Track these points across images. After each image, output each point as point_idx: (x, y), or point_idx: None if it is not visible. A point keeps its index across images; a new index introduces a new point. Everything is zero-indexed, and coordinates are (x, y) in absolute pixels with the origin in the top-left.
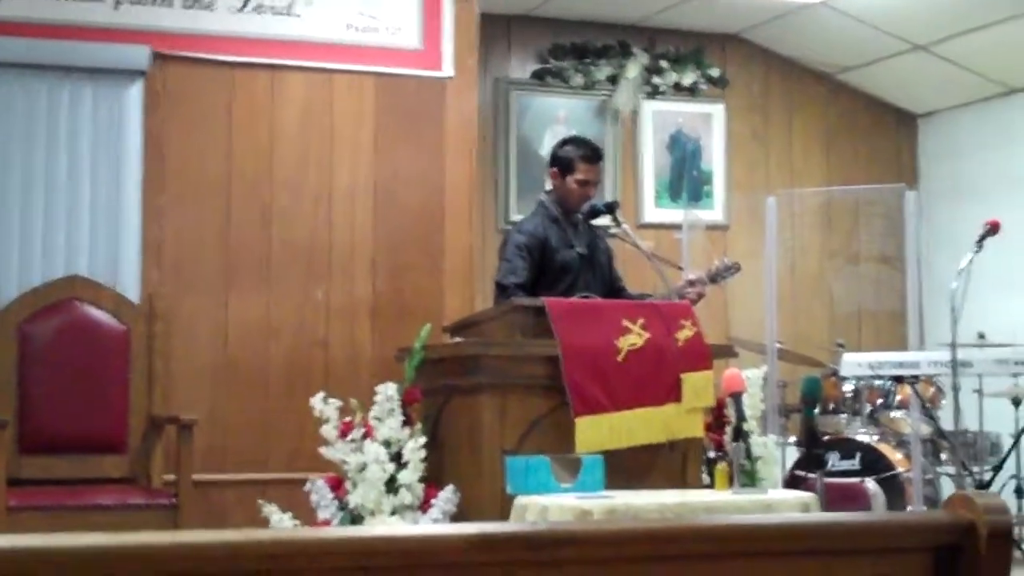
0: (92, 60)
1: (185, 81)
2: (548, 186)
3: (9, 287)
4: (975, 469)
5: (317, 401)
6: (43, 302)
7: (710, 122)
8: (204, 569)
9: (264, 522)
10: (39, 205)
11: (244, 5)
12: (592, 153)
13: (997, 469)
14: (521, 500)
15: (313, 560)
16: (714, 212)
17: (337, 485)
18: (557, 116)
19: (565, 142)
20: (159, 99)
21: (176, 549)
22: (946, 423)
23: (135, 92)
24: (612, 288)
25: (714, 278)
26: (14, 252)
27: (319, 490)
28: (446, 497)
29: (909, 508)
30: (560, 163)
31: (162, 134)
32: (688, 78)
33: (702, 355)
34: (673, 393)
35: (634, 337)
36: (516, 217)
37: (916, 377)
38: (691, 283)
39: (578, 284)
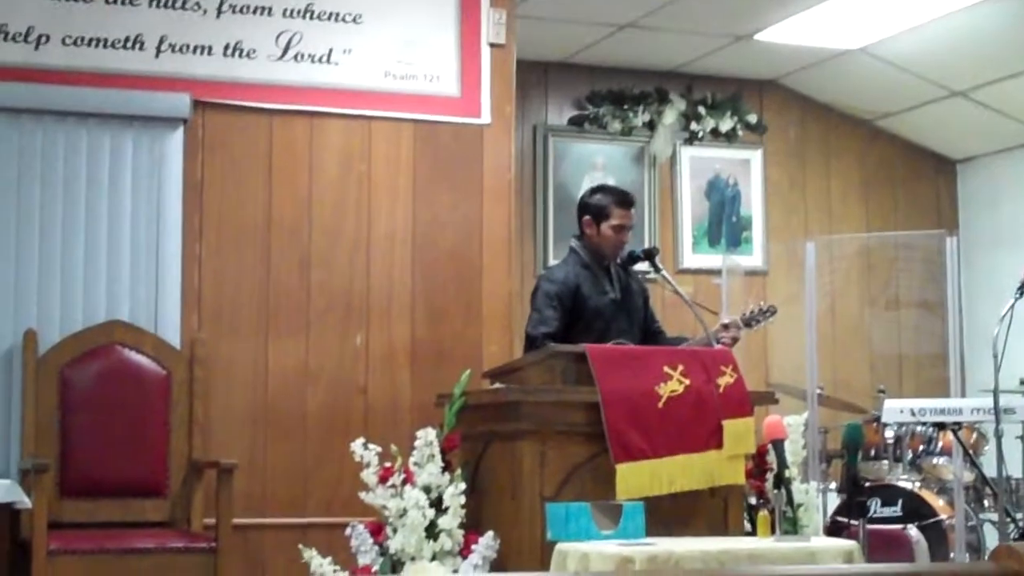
0: (133, 108)
1: (225, 129)
2: (578, 232)
3: (51, 332)
4: (1019, 516)
5: (357, 446)
6: (84, 347)
7: (748, 168)
8: None
9: (304, 567)
10: (80, 251)
11: (284, 53)
12: (624, 198)
13: None
14: (561, 547)
15: None
16: (753, 258)
17: (377, 530)
18: (595, 162)
19: (595, 190)
20: (199, 146)
21: None
22: (989, 470)
23: (176, 139)
24: (648, 331)
25: (749, 322)
26: (56, 297)
27: (360, 535)
28: (486, 543)
29: (952, 556)
30: (593, 211)
31: (202, 181)
32: (725, 124)
33: (743, 402)
34: (714, 440)
35: (674, 384)
36: (554, 262)
37: (959, 424)
38: (725, 327)
39: (611, 330)
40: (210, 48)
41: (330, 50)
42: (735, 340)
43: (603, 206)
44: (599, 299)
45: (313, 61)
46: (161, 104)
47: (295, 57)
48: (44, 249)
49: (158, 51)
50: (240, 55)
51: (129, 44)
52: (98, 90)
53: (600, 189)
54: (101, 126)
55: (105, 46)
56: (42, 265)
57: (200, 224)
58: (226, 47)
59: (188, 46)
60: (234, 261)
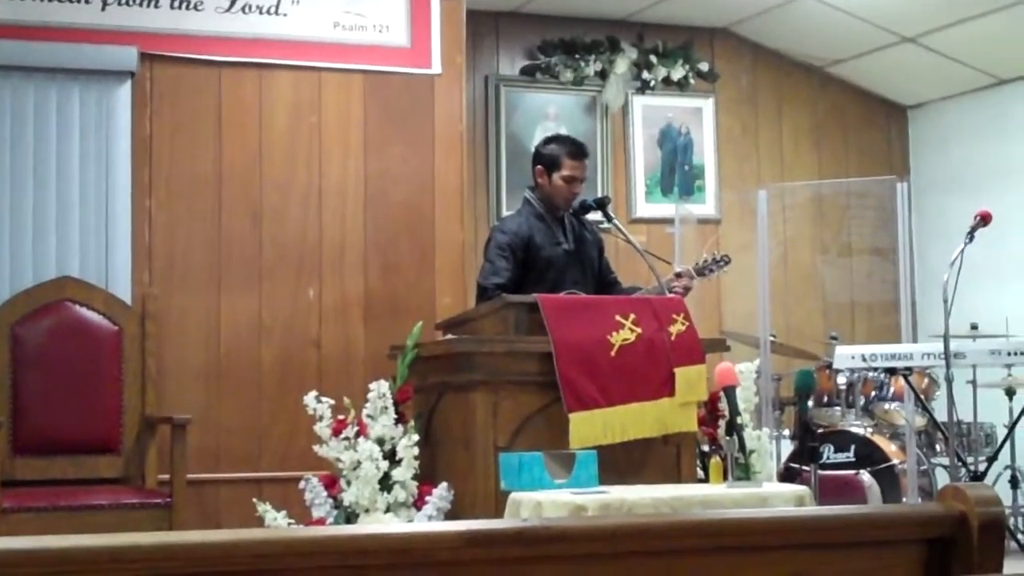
0: (79, 61)
1: (173, 81)
2: (532, 182)
3: (1, 289)
4: (969, 460)
5: (310, 399)
6: (35, 304)
7: (700, 116)
8: (198, 570)
9: (259, 521)
10: (28, 207)
11: (231, 5)
12: (577, 149)
13: (991, 460)
14: (515, 496)
15: (307, 559)
16: (705, 206)
17: (331, 483)
18: (547, 112)
19: (548, 140)
20: (147, 100)
21: (169, 550)
22: (940, 414)
23: (123, 93)
24: (603, 281)
25: (701, 271)
26: (5, 254)
27: (313, 488)
28: (440, 494)
29: (904, 500)
30: (545, 161)
31: (151, 135)
32: (677, 72)
33: (695, 349)
34: (666, 387)
35: (626, 332)
36: (507, 212)
37: (910, 369)
38: (678, 276)
39: (565, 280)
40: (157, 0)
41: (278, 1)
42: (688, 289)
43: (555, 156)
44: (552, 250)
45: (261, 12)
46: (108, 57)
47: (243, 8)
48: None
49: (104, 3)
50: (187, 7)
51: None
52: (44, 44)
53: (553, 139)
54: (47, 80)
55: None
56: None
57: (150, 178)
58: None
59: None
60: (185, 215)
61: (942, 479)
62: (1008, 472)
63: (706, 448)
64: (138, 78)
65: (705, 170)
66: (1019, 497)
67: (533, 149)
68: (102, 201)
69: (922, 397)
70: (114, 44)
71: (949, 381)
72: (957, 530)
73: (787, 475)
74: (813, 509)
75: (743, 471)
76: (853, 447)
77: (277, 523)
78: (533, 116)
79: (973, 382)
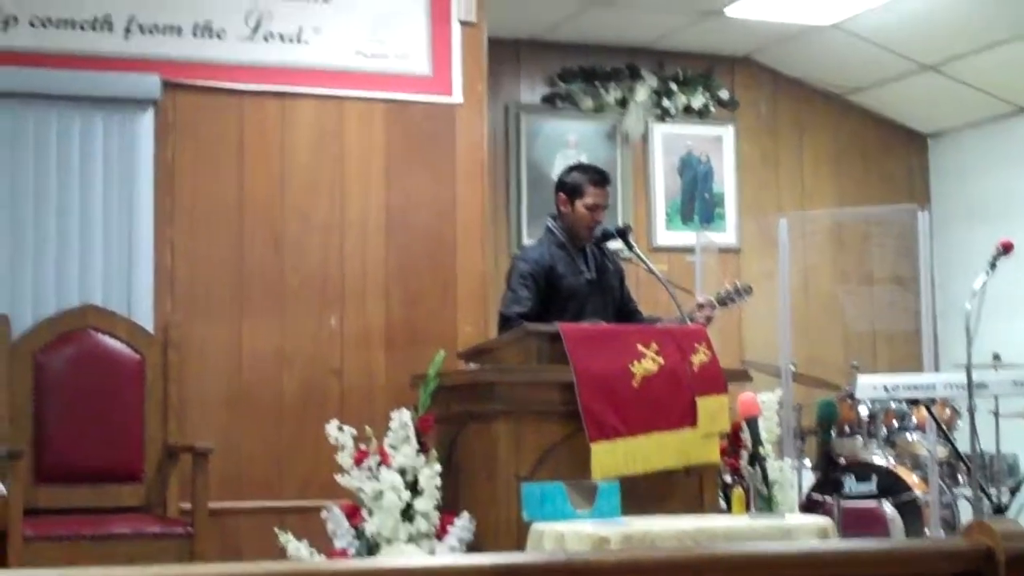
0: (103, 89)
1: (196, 110)
2: (554, 211)
3: (24, 317)
4: (992, 491)
5: (332, 428)
6: (58, 332)
7: (720, 144)
8: None
9: (280, 551)
10: (52, 235)
11: (253, 33)
12: (600, 177)
13: (1015, 491)
14: (537, 527)
15: None
16: (726, 234)
17: (353, 513)
18: (567, 140)
19: (572, 168)
20: (170, 128)
21: None
22: (963, 445)
23: (146, 121)
24: (624, 311)
25: (723, 301)
26: (28, 282)
27: (335, 518)
28: (462, 525)
29: (927, 531)
30: (568, 189)
31: (173, 163)
32: (698, 100)
33: (717, 379)
34: (688, 418)
35: (649, 362)
36: (528, 241)
37: (932, 399)
38: (700, 306)
39: (587, 310)
40: (179, 28)
41: (300, 29)
42: (710, 320)
43: (578, 184)
44: (574, 279)
45: (283, 40)
46: (131, 86)
47: (265, 37)
48: (16, 234)
49: (127, 32)
50: (210, 35)
51: (98, 25)
52: (67, 72)
53: (576, 167)
54: (71, 108)
55: (74, 27)
56: (14, 250)
57: (172, 207)
58: (195, 27)
59: (157, 26)
60: (207, 244)
61: (965, 510)
62: None
63: (728, 479)
64: (161, 106)
65: (725, 198)
66: None
67: (555, 177)
68: (125, 229)
69: (944, 428)
70: (137, 72)
71: (972, 411)
72: (984, 565)
73: (809, 506)
74: (838, 543)
75: (765, 502)
76: (875, 478)
77: (299, 553)
78: (553, 144)
79: (996, 412)
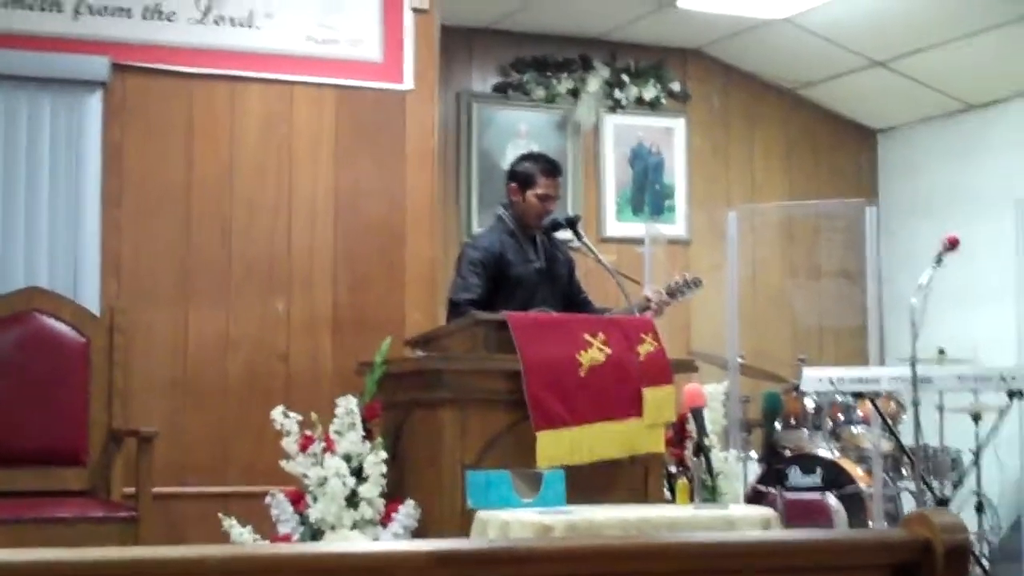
0: (50, 70)
1: (145, 92)
2: (505, 200)
3: None
4: (936, 485)
5: (277, 414)
6: (2, 314)
7: (671, 136)
8: None
9: (225, 536)
10: None
11: (204, 17)
12: (552, 167)
13: (957, 485)
14: (482, 515)
15: None
16: (676, 226)
17: (298, 499)
18: (518, 130)
19: (524, 158)
20: (118, 110)
21: (135, 565)
22: (907, 439)
23: (94, 103)
24: (574, 301)
25: (673, 293)
26: None
27: (279, 504)
28: (407, 512)
29: (870, 524)
30: (519, 178)
31: (121, 146)
32: (649, 92)
33: (663, 370)
34: (634, 408)
35: (595, 352)
36: (478, 229)
37: (877, 393)
38: (647, 299)
39: (535, 298)
40: (129, 10)
41: (251, 13)
42: (660, 310)
43: (530, 174)
44: (523, 267)
45: (234, 24)
46: (79, 67)
47: (215, 20)
48: None
49: (76, 13)
50: (160, 17)
51: (46, 5)
52: (14, 52)
53: (528, 157)
54: (17, 89)
55: (22, 7)
56: None
57: (119, 190)
58: (145, 9)
59: (106, 8)
60: (154, 227)
61: (908, 504)
62: (974, 497)
63: (673, 469)
64: (109, 88)
65: (676, 190)
66: (984, 522)
67: (506, 167)
68: (71, 212)
69: (889, 421)
70: (85, 54)
71: (916, 405)
72: (922, 557)
73: (754, 497)
74: (779, 533)
75: (710, 493)
76: (820, 470)
77: (243, 538)
78: (505, 133)
79: (940, 407)
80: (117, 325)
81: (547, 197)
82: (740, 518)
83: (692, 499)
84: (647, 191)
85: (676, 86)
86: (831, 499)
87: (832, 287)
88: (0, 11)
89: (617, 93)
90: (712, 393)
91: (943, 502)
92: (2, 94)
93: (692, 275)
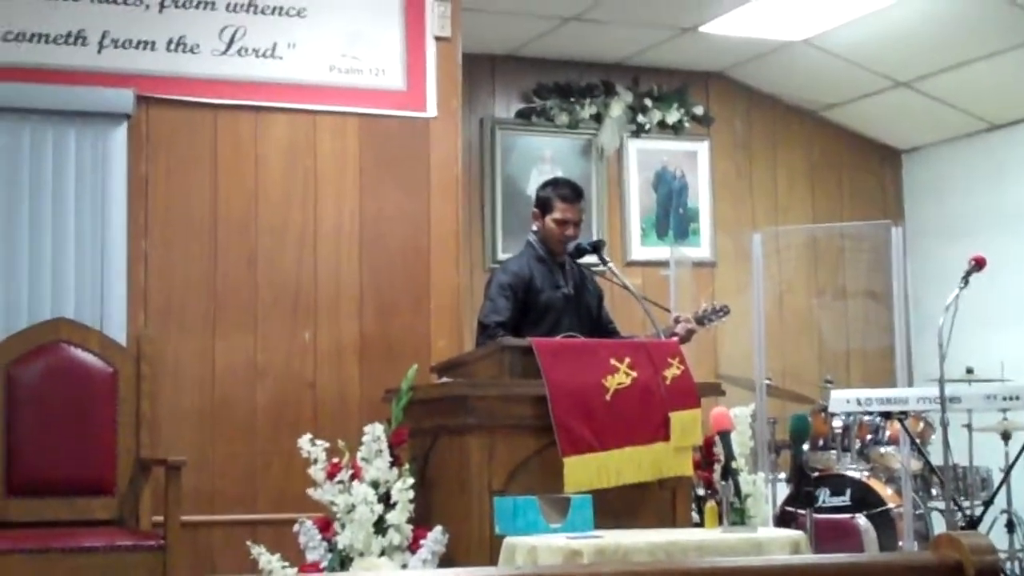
0: (76, 104)
1: (169, 124)
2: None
3: None
4: (966, 504)
5: (305, 442)
6: (30, 345)
7: (695, 160)
8: None
9: (253, 564)
10: (24, 249)
11: (227, 48)
12: (570, 193)
13: (988, 504)
14: (510, 540)
15: None
16: (701, 249)
17: (326, 526)
18: (542, 155)
19: (545, 184)
20: (143, 142)
21: None
22: (936, 458)
23: (119, 135)
24: (603, 331)
25: (701, 320)
26: (0, 295)
27: (308, 531)
28: (435, 538)
29: (900, 544)
30: (539, 204)
31: (147, 176)
32: (672, 116)
33: (690, 393)
34: (661, 432)
35: (621, 376)
36: (503, 256)
37: (905, 413)
38: (677, 322)
39: (562, 324)
40: (153, 43)
41: (274, 44)
42: (690, 335)
43: (548, 199)
44: (551, 293)
45: (257, 55)
46: (104, 100)
47: (239, 51)
48: None
49: (100, 46)
50: (184, 50)
51: (71, 39)
52: (40, 86)
53: (549, 183)
54: (43, 122)
55: (47, 41)
56: None
57: (145, 220)
58: (169, 42)
59: (131, 41)
60: (180, 257)
61: (938, 523)
62: (1004, 516)
63: (701, 492)
64: (134, 120)
65: (700, 213)
66: (1015, 541)
67: (531, 192)
68: (97, 243)
69: (918, 441)
70: (110, 87)
71: (945, 425)
72: None
73: (783, 519)
74: (809, 557)
75: (738, 516)
76: (849, 491)
77: (271, 566)
78: (529, 159)
79: (969, 426)
80: (144, 354)
81: (564, 222)
82: (769, 541)
83: (720, 522)
84: (671, 215)
85: (699, 110)
86: (861, 520)
87: (858, 308)
88: (26, 45)
89: (640, 117)
90: (739, 415)
91: (974, 521)
92: (28, 127)
93: (719, 303)
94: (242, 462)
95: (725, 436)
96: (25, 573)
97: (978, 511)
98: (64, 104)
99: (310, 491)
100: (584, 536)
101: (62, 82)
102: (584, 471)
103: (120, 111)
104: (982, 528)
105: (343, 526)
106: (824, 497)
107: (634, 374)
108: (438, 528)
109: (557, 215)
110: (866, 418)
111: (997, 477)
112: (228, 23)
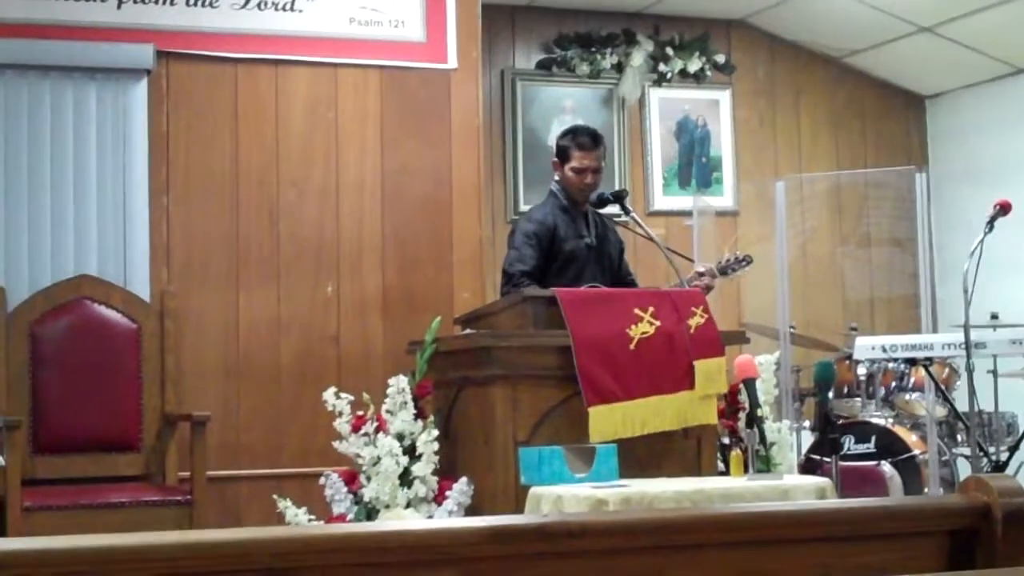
0: (96, 59)
1: (189, 79)
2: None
3: (20, 288)
4: (991, 450)
5: (329, 395)
6: (54, 302)
7: (717, 108)
8: (219, 568)
9: (279, 517)
10: (46, 206)
11: (247, 2)
12: (588, 140)
13: (1013, 449)
14: (535, 491)
15: (327, 557)
16: (723, 198)
17: (351, 479)
18: (563, 106)
19: (565, 132)
20: (164, 97)
21: (190, 548)
22: (961, 404)
23: (140, 91)
24: (622, 282)
25: (724, 271)
26: (23, 253)
27: (333, 484)
28: (460, 489)
29: (926, 490)
30: (558, 153)
31: (167, 132)
32: (694, 65)
33: (714, 342)
34: (686, 380)
35: (645, 325)
36: (524, 207)
37: (930, 359)
38: (700, 274)
39: (585, 274)
40: None
41: None
42: (709, 288)
43: (566, 148)
44: (575, 242)
45: (277, 9)
46: (124, 55)
47: (259, 5)
48: (10, 205)
49: (120, 2)
50: (203, 4)
51: None
52: (60, 42)
53: (568, 131)
54: (64, 79)
55: None
56: (8, 221)
57: (167, 176)
58: None
59: None
60: (202, 212)
61: (964, 469)
62: None
63: (726, 441)
64: (154, 76)
65: (723, 162)
66: None
67: (551, 143)
68: (120, 199)
69: (943, 387)
70: (130, 42)
71: (970, 371)
72: (980, 522)
73: (808, 467)
74: (834, 502)
75: (764, 463)
76: (874, 438)
77: (297, 519)
78: (550, 110)
79: (994, 372)
80: (168, 311)
81: (583, 170)
82: (795, 487)
83: (746, 470)
84: (694, 164)
85: (721, 58)
86: (886, 467)
87: (882, 255)
88: (44, 2)
89: (662, 66)
90: (764, 364)
91: (999, 467)
92: (48, 84)
93: (742, 252)
94: (267, 416)
95: (750, 384)
96: (53, 529)
97: (1004, 456)
98: (84, 60)
99: (335, 444)
100: (609, 485)
101: (82, 38)
102: (609, 421)
103: (140, 66)
104: (1008, 473)
105: (368, 479)
106: (849, 444)
107: (658, 323)
108: (463, 479)
109: (575, 163)
110: (891, 365)
111: (1023, 422)
112: None
